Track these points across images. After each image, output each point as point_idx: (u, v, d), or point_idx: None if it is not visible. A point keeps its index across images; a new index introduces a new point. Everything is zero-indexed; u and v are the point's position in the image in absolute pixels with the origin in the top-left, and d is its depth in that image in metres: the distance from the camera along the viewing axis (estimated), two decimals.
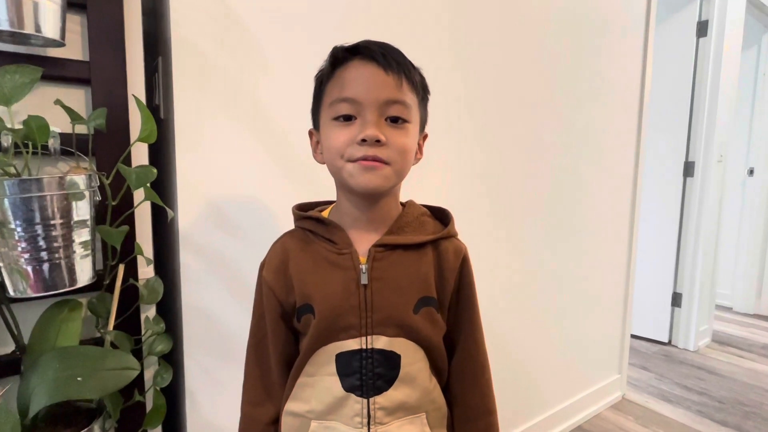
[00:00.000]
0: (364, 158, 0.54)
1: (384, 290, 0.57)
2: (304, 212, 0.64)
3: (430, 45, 1.12)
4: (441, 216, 0.66)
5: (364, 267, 0.57)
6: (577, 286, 1.59)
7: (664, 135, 2.38)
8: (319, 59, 0.61)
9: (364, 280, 0.57)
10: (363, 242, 0.59)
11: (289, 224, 0.66)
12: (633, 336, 2.51)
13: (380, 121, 0.55)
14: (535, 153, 1.38)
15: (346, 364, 0.57)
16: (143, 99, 0.82)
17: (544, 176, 1.42)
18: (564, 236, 1.51)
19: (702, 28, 2.30)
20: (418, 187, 1.10)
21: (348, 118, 0.55)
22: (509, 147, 1.32)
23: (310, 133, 0.64)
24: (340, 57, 0.57)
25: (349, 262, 0.58)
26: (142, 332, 0.82)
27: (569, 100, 1.46)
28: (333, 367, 0.57)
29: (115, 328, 0.75)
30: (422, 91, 0.60)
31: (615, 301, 1.77)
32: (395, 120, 0.55)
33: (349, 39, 0.59)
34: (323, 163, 0.61)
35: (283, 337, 0.62)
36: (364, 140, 0.53)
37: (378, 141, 0.53)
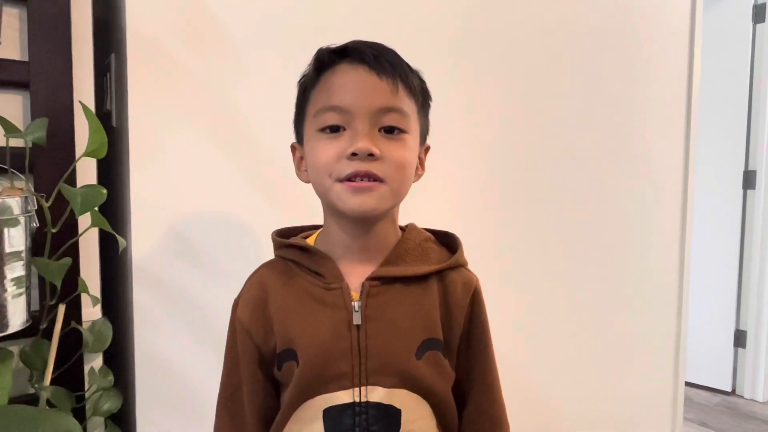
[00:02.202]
0: (356, 174, 0.55)
1: (381, 332, 0.58)
2: (286, 239, 0.65)
3: (432, 41, 1.15)
4: (447, 242, 0.67)
5: (356, 304, 0.58)
6: (618, 324, 1.59)
7: (718, 140, 2.41)
8: (302, 60, 0.63)
9: (356, 320, 0.58)
10: (355, 275, 0.60)
11: (268, 254, 0.67)
12: (688, 384, 2.50)
13: (373, 132, 0.56)
14: (560, 165, 1.40)
15: (335, 421, 0.57)
16: (92, 104, 0.83)
17: (573, 192, 1.44)
18: (599, 265, 1.52)
19: (759, 13, 2.36)
20: (418, 208, 1.11)
21: (335, 129, 0.57)
22: (529, 159, 1.34)
23: (293, 148, 0.65)
24: (326, 60, 0.59)
25: (338, 299, 0.59)
26: (86, 387, 0.81)
27: (601, 101, 1.49)
28: (320, 425, 0.57)
29: (52, 382, 0.75)
30: (422, 97, 0.62)
31: (665, 343, 1.77)
32: (391, 130, 0.57)
33: (338, 38, 0.61)
34: (308, 182, 0.62)
35: (260, 389, 0.62)
36: (354, 154, 0.55)
37: (371, 155, 0.55)
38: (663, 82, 1.69)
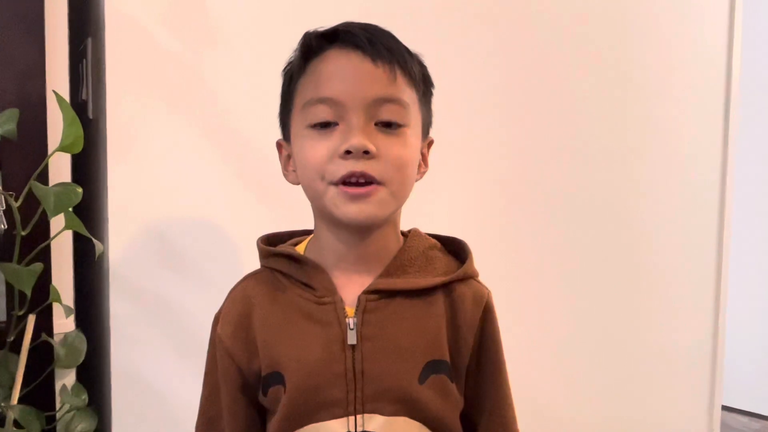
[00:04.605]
0: (351, 175, 0.54)
1: (379, 353, 0.57)
2: (272, 247, 0.64)
3: (442, 22, 1.14)
4: (455, 250, 0.66)
5: (351, 321, 0.57)
6: (646, 341, 1.58)
7: (762, 135, 2.40)
8: (295, 45, 0.63)
9: (351, 339, 0.57)
10: (350, 287, 0.59)
11: (257, 260, 0.67)
12: (725, 408, 2.48)
13: (369, 127, 0.55)
14: (584, 163, 1.39)
15: None
16: (66, 94, 0.84)
17: (597, 194, 1.43)
18: (626, 274, 1.51)
19: None
20: (423, 211, 1.10)
21: (326, 125, 0.56)
22: (550, 157, 1.32)
23: (279, 146, 0.65)
24: (314, 45, 0.58)
25: (331, 315, 0.58)
26: (57, 406, 0.82)
27: (623, 93, 1.47)
28: None
29: (20, 400, 0.75)
30: (423, 84, 0.61)
31: (699, 361, 1.75)
32: (388, 125, 0.56)
33: (333, 20, 0.60)
34: (297, 183, 0.62)
35: (243, 416, 0.61)
36: (348, 152, 0.54)
37: (366, 152, 0.54)
38: (700, 73, 1.68)
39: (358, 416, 0.56)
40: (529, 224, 1.30)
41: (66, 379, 0.84)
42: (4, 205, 0.71)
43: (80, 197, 0.73)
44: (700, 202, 1.71)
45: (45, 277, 0.78)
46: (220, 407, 0.62)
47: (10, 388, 0.73)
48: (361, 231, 0.59)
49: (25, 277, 0.71)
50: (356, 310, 0.58)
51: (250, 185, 0.93)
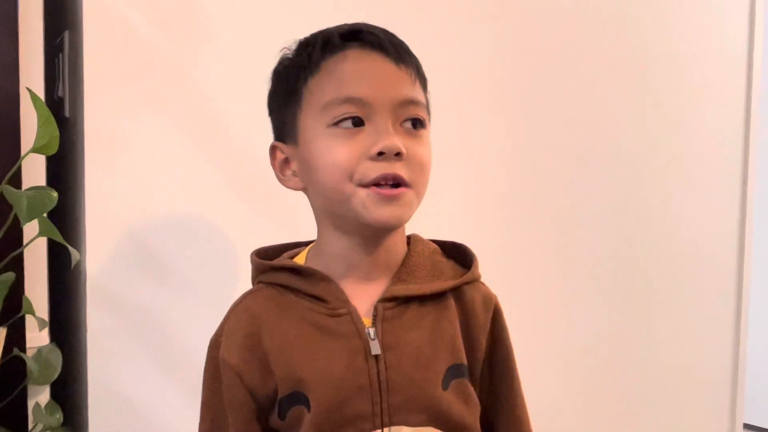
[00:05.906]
0: (383, 178, 0.56)
1: (402, 361, 0.59)
2: (272, 261, 0.65)
3: (447, 29, 1.14)
4: (457, 254, 0.68)
5: (371, 331, 0.59)
6: (663, 355, 1.58)
7: None
8: (289, 41, 0.63)
9: (375, 349, 0.58)
10: (360, 296, 0.61)
11: (248, 269, 0.67)
12: (747, 427, 2.48)
13: (395, 128, 0.58)
14: (594, 166, 1.39)
15: None
16: (41, 91, 0.84)
17: (609, 199, 1.43)
18: (641, 285, 1.51)
19: None
20: (424, 212, 1.10)
21: (358, 123, 0.58)
22: (554, 155, 1.32)
23: (273, 149, 0.65)
24: (333, 44, 0.60)
25: (349, 327, 0.59)
26: (30, 426, 0.81)
27: (637, 91, 1.47)
28: None
29: None
30: (426, 86, 0.65)
31: (719, 377, 1.75)
32: (415, 125, 0.60)
33: (335, 15, 0.62)
34: (298, 188, 0.63)
35: None
36: (381, 153, 0.56)
37: (398, 154, 0.56)
38: (720, 69, 1.68)
39: (386, 429, 0.58)
40: (536, 230, 1.30)
41: (39, 396, 0.83)
42: None
43: (55, 202, 0.73)
44: (720, 209, 1.71)
45: (17, 287, 0.78)
46: None
47: None
48: (376, 237, 0.61)
49: None
50: (374, 319, 0.60)
51: (236, 189, 0.93)
